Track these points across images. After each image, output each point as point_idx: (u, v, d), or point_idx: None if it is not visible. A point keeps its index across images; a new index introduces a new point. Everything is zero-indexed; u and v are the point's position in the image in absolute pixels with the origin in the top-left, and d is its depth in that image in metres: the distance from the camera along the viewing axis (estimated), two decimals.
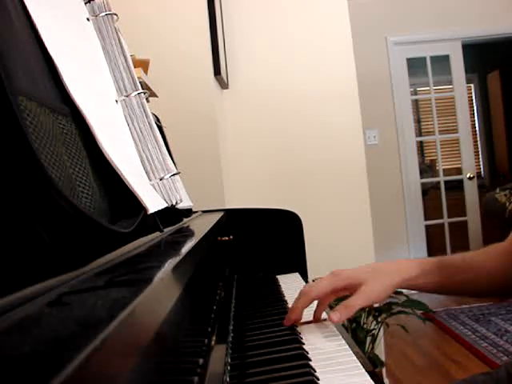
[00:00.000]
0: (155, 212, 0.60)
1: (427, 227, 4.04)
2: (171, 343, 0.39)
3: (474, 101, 5.57)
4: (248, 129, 2.21)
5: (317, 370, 0.63)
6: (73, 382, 0.16)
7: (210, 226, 0.85)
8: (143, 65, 1.21)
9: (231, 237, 1.30)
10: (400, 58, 3.91)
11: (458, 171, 4.24)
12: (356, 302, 0.75)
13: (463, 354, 2.56)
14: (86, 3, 0.71)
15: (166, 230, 0.68)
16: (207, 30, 1.82)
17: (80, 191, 0.45)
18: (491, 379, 0.79)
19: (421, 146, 5.32)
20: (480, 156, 5.62)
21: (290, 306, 0.96)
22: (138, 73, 1.00)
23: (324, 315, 0.83)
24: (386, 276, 0.77)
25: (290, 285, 1.19)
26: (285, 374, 0.63)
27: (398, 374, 2.38)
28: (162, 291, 0.35)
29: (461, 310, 3.24)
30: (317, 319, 0.82)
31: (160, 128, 1.12)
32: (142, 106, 0.73)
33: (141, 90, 0.73)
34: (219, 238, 1.11)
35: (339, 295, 0.83)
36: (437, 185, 4.24)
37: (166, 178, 0.71)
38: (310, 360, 0.66)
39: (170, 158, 0.95)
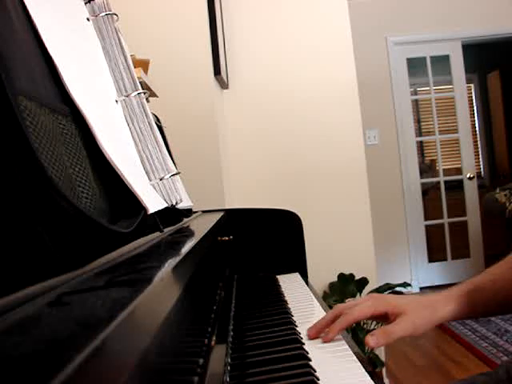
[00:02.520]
0: (155, 212, 0.60)
1: (427, 227, 4.03)
2: (171, 343, 0.39)
3: (473, 101, 5.56)
4: (248, 129, 2.21)
5: (317, 370, 0.63)
6: (73, 382, 0.16)
7: (210, 226, 0.85)
8: (143, 65, 1.21)
9: (231, 237, 1.30)
10: (400, 58, 3.91)
11: (458, 171, 4.24)
12: (396, 330, 0.71)
13: (463, 354, 2.56)
14: (85, 3, 0.71)
15: (166, 230, 0.68)
16: (207, 30, 1.82)
17: (80, 191, 0.45)
18: (491, 380, 0.79)
19: (421, 146, 5.31)
20: (480, 156, 5.61)
21: (290, 306, 0.96)
22: (137, 73, 1.00)
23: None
24: (426, 310, 0.75)
25: (290, 285, 1.19)
26: (285, 374, 0.63)
27: (397, 374, 2.38)
28: (162, 291, 0.35)
29: None
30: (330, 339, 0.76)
31: (160, 128, 1.12)
32: (142, 106, 0.73)
33: (141, 90, 0.73)
34: (219, 238, 1.11)
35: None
36: (437, 185, 4.23)
37: (166, 178, 0.71)
38: (310, 360, 0.66)
39: (169, 158, 0.95)
